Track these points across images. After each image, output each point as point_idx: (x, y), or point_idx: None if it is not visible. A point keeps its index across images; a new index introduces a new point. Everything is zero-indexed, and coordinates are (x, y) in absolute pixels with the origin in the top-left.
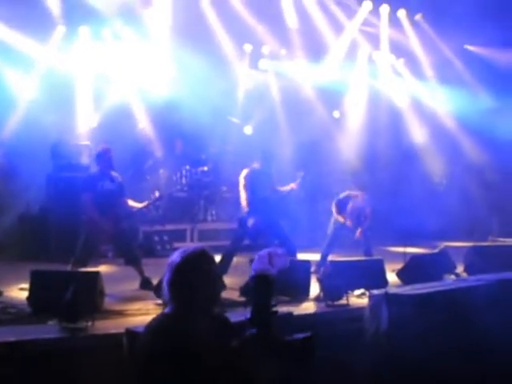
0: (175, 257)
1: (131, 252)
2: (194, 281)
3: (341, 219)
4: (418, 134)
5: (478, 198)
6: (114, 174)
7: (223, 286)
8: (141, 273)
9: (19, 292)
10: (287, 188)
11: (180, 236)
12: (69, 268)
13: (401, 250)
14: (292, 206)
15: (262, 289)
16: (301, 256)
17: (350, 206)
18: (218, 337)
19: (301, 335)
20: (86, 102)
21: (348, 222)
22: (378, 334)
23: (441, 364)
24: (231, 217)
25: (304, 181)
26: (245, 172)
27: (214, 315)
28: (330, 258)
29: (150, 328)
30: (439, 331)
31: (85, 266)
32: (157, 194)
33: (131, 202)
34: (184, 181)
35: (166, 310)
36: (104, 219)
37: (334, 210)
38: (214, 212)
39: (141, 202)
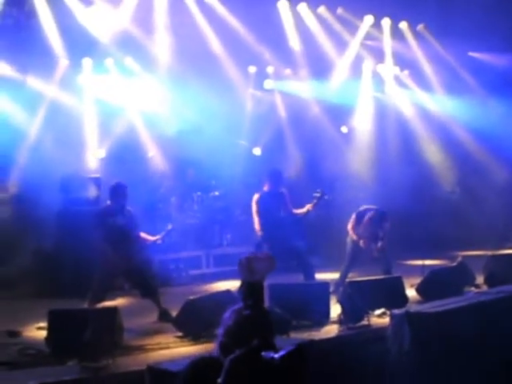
0: (227, 317)
1: (147, 285)
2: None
3: (354, 237)
4: (428, 144)
5: (493, 204)
6: (127, 208)
7: None
8: (158, 305)
9: (37, 331)
10: (303, 210)
11: (195, 263)
12: (85, 305)
13: (419, 262)
14: (307, 224)
15: (250, 297)
16: (319, 276)
17: (367, 219)
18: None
19: (284, 351)
20: (93, 134)
21: (362, 242)
22: (401, 354)
23: None
24: (246, 240)
25: (321, 201)
26: (255, 197)
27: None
28: (349, 277)
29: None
30: (464, 349)
31: (101, 302)
32: (169, 226)
33: (144, 235)
34: (196, 207)
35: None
36: (117, 255)
37: (350, 224)
38: (228, 236)
39: (153, 233)
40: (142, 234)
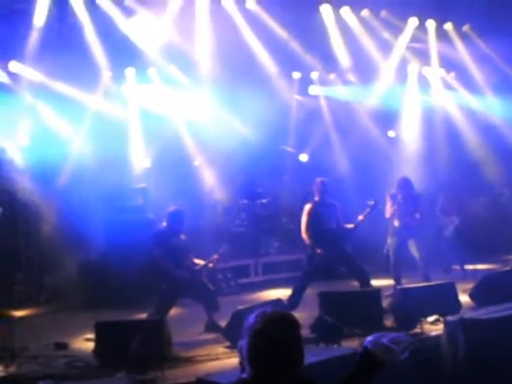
0: (252, 321)
1: (213, 300)
2: (272, 348)
3: (390, 212)
4: (477, 147)
5: None
6: (181, 235)
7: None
8: (210, 316)
9: (85, 343)
10: (355, 223)
11: (244, 272)
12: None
13: (470, 267)
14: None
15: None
16: (373, 283)
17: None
18: None
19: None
20: (139, 144)
21: (397, 222)
22: (456, 363)
23: None
24: (294, 248)
25: (375, 210)
26: (308, 207)
27: (298, 378)
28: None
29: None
30: None
31: None
32: (223, 249)
33: (196, 261)
34: (243, 215)
35: (244, 376)
36: (180, 271)
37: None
38: (275, 244)
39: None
40: (195, 260)
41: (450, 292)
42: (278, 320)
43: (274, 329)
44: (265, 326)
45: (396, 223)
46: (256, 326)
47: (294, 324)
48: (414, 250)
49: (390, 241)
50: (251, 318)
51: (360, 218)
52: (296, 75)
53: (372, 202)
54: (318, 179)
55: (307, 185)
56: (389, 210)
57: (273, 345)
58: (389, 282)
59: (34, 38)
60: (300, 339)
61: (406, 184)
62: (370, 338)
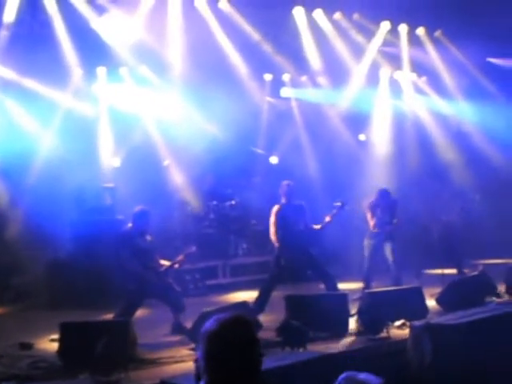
0: (209, 325)
1: (179, 301)
2: (227, 352)
3: (371, 223)
4: (447, 151)
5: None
6: (147, 235)
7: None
8: (176, 318)
9: (50, 344)
10: (322, 224)
11: (212, 273)
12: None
13: (438, 271)
14: (325, 234)
15: None
16: (340, 286)
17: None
18: None
19: None
20: (108, 143)
21: (376, 229)
22: (423, 367)
23: None
24: (262, 250)
25: (341, 211)
26: (275, 208)
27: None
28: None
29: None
30: (488, 361)
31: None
32: (192, 249)
33: (162, 262)
34: (212, 216)
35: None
36: (146, 272)
37: (368, 214)
38: (244, 246)
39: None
40: (161, 260)
41: (417, 297)
42: (233, 322)
43: (228, 331)
44: (220, 329)
45: (375, 230)
46: (211, 329)
47: (250, 325)
48: (388, 252)
49: (366, 243)
50: (207, 324)
51: (327, 218)
52: (268, 77)
53: (339, 203)
54: (284, 182)
55: (276, 187)
56: (370, 221)
57: (228, 348)
58: (357, 285)
59: (3, 34)
60: (257, 342)
61: (385, 195)
62: (343, 376)
